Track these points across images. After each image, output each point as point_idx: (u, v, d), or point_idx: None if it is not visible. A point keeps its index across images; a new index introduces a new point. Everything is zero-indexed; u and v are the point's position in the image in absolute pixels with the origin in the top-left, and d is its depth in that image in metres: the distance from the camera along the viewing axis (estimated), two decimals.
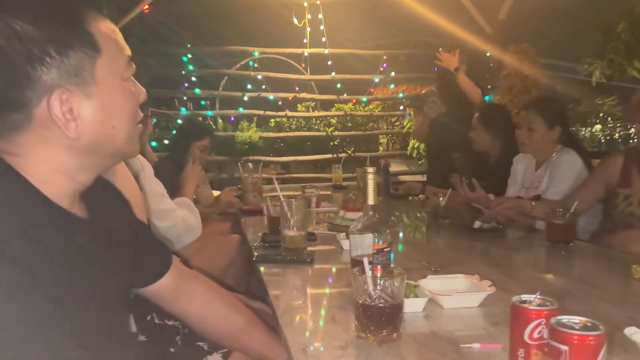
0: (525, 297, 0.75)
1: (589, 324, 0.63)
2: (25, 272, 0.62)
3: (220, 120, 6.97)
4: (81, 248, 0.78)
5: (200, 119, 6.66)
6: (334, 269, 1.54)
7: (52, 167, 0.76)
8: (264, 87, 6.55)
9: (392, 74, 6.69)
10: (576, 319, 0.65)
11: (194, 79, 6.26)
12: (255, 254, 1.66)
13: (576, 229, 1.84)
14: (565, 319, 0.65)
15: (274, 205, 1.91)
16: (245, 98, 6.36)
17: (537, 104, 2.45)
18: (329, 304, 1.17)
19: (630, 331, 0.86)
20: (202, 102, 6.68)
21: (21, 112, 0.72)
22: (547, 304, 0.72)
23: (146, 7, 5.55)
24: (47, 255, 0.69)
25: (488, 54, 6.12)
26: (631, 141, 2.02)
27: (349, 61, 6.79)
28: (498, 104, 3.81)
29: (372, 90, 6.91)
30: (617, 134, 12.44)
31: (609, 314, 1.07)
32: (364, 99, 6.90)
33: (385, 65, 6.62)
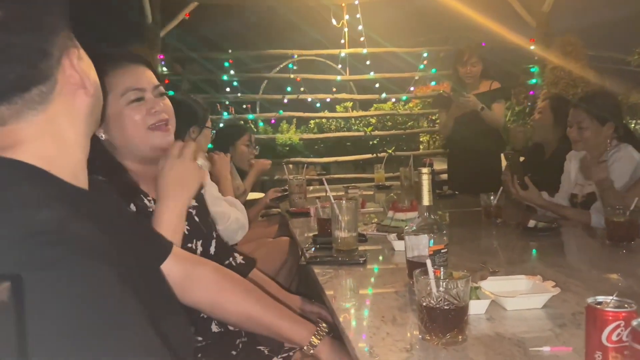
0: (600, 298, 0.73)
1: None
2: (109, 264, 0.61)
3: (261, 123, 7.06)
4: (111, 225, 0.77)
5: (242, 122, 6.78)
6: (387, 270, 1.54)
7: (71, 142, 0.74)
8: (302, 89, 6.60)
9: (433, 70, 6.60)
10: None
11: (235, 83, 6.37)
12: (307, 255, 1.68)
13: (638, 226, 1.77)
14: None
15: (323, 206, 1.92)
16: (285, 100, 6.42)
17: (585, 101, 2.35)
18: (388, 305, 1.17)
19: None
20: (244, 106, 6.78)
21: (48, 81, 0.70)
22: (626, 305, 0.70)
23: (187, 14, 5.70)
24: (112, 242, 0.67)
25: (532, 47, 5.95)
26: None
27: (388, 60, 6.75)
28: (562, 97, 3.70)
29: (412, 88, 6.84)
30: None
31: None
32: (404, 97, 6.84)
33: (425, 62, 6.56)
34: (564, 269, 1.48)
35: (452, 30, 7.24)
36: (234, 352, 1.33)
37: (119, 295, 0.60)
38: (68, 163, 0.74)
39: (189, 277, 1.09)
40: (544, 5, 5.72)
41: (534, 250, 1.75)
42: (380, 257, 1.67)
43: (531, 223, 1.94)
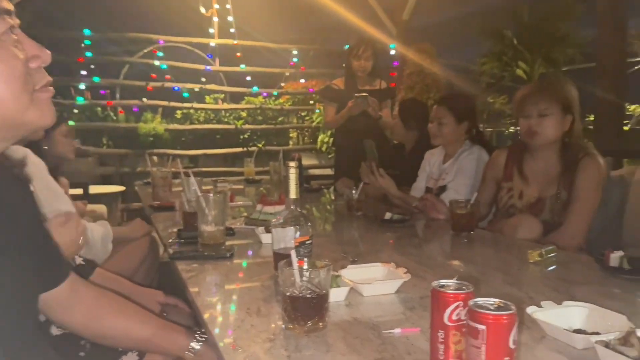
0: (443, 282, 0.81)
1: (502, 305, 0.70)
2: None
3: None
4: None
5: (99, 109, 6.28)
6: (254, 263, 1.54)
7: None
8: (168, 77, 6.32)
9: (303, 68, 6.75)
10: (491, 300, 0.71)
11: (92, 66, 5.88)
12: (171, 251, 1.62)
13: (477, 218, 2.00)
14: (481, 300, 0.71)
15: (189, 200, 1.86)
16: (149, 88, 6.09)
17: (447, 99, 2.64)
18: (253, 297, 1.17)
19: (531, 310, 0.96)
20: (102, 92, 6.30)
21: None
22: (464, 287, 0.78)
23: None
24: None
25: (392, 52, 6.38)
26: (519, 137, 2.24)
27: (259, 54, 6.75)
28: (416, 100, 3.95)
29: (283, 84, 6.92)
30: (507, 131, 13.53)
31: (512, 295, 1.18)
32: (275, 92, 6.90)
33: (295, 59, 6.67)
34: (415, 256, 1.62)
35: (321, 31, 7.47)
36: (82, 354, 1.25)
37: None
38: None
39: (74, 300, 1.04)
40: (404, 14, 6.15)
41: (391, 240, 1.88)
42: (248, 251, 1.67)
43: (387, 215, 2.09)
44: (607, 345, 0.80)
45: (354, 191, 2.34)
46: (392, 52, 6.39)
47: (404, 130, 3.22)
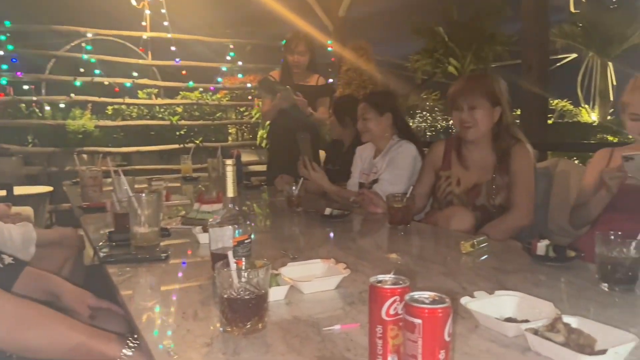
0: (380, 277, 0.81)
1: (437, 298, 0.71)
2: None
3: (47, 107, 6.24)
4: None
5: (24, 105, 5.91)
6: (191, 264, 1.50)
7: None
8: (98, 71, 6.03)
9: (240, 63, 6.65)
10: (426, 294, 0.72)
11: (14, 60, 5.51)
12: (102, 254, 1.54)
13: (413, 211, 2.05)
14: (417, 294, 0.72)
15: (120, 200, 1.78)
16: (78, 83, 5.79)
17: (367, 96, 2.76)
18: (190, 300, 1.14)
19: (465, 300, 0.99)
20: (26, 87, 5.91)
21: None
22: (400, 282, 0.79)
23: None
24: None
25: (329, 48, 6.41)
26: (451, 131, 2.31)
27: (194, 48, 6.58)
28: (351, 97, 3.96)
29: (220, 79, 6.79)
30: (439, 125, 14.01)
31: (447, 286, 1.21)
32: (212, 87, 6.75)
33: (232, 54, 6.56)
34: (354, 251, 1.64)
35: (258, 25, 7.38)
36: None
37: None
38: None
39: None
40: (340, 10, 6.19)
41: (331, 235, 1.89)
42: (185, 252, 1.63)
43: (327, 211, 2.10)
44: (535, 332, 0.83)
45: (294, 187, 2.34)
46: (330, 48, 6.43)
47: (340, 128, 3.25)
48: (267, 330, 0.95)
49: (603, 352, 0.76)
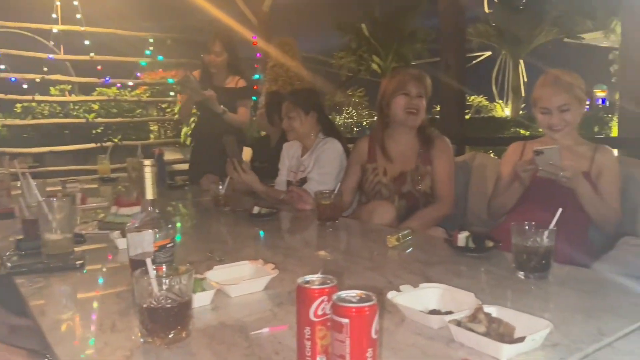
0: (308, 277, 0.80)
1: (364, 296, 0.71)
2: None
3: None
4: None
5: None
6: (109, 271, 1.41)
7: None
8: (3, 66, 5.58)
9: (160, 57, 6.41)
10: (353, 292, 0.72)
11: None
12: (9, 264, 1.42)
13: (341, 208, 2.06)
14: (344, 294, 0.71)
15: (29, 205, 1.65)
16: None
17: (292, 95, 2.72)
18: (108, 311, 1.07)
19: (391, 295, 1.00)
20: None
21: None
22: (328, 281, 0.78)
23: None
24: None
25: (255, 44, 6.33)
26: (386, 119, 2.41)
27: (110, 42, 6.25)
28: (280, 94, 3.90)
29: (139, 74, 6.51)
30: (365, 121, 14.30)
31: (374, 281, 1.23)
32: (130, 82, 6.46)
33: (151, 48, 6.31)
34: (283, 249, 1.62)
35: (180, 18, 7.15)
36: None
37: None
38: None
39: None
40: (264, 5, 6.13)
41: (259, 234, 1.86)
42: (102, 258, 1.53)
43: (255, 210, 2.06)
44: (458, 323, 0.86)
45: (220, 186, 2.28)
46: (255, 43, 6.35)
47: (269, 124, 3.22)
48: (192, 338, 0.91)
49: (522, 339, 0.79)
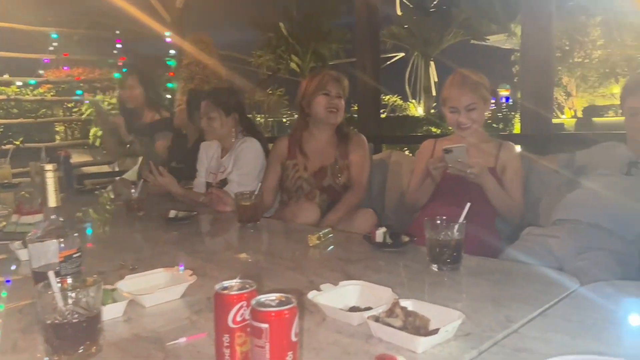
0: (226, 283, 0.78)
1: (283, 299, 0.70)
2: None
3: None
4: None
5: None
6: (9, 285, 1.30)
7: None
8: None
9: (65, 54, 6.01)
10: (272, 296, 0.71)
11: None
12: None
13: (262, 208, 2.04)
14: (263, 298, 0.70)
15: None
16: None
17: (213, 94, 2.64)
18: (8, 329, 0.98)
19: (312, 295, 1.00)
20: None
21: None
22: (247, 286, 0.77)
23: None
24: None
25: (167, 39, 6.12)
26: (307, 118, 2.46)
27: (8, 37, 5.77)
28: (201, 92, 3.80)
29: (42, 71, 6.06)
30: (285, 120, 14.32)
31: (295, 281, 1.22)
32: (32, 81, 6.00)
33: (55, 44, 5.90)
34: (203, 254, 1.58)
35: (87, 12, 6.75)
36: None
37: None
38: None
39: None
40: (177, 1, 5.94)
41: (175, 241, 1.79)
42: (2, 271, 1.40)
43: (172, 213, 1.99)
44: (377, 319, 0.87)
45: (133, 190, 2.18)
46: (168, 39, 6.12)
47: (187, 120, 3.12)
48: (103, 353, 0.86)
49: (435, 331, 0.83)
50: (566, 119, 17.76)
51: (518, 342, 0.86)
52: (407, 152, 5.63)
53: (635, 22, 14.86)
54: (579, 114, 18.13)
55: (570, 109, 19.64)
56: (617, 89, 16.57)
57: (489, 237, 1.91)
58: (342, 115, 2.38)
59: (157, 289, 1.10)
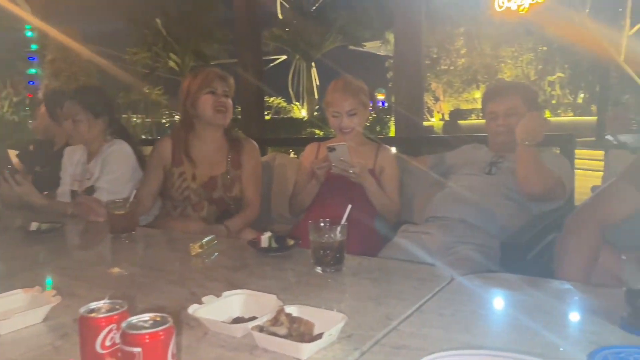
0: (93, 305, 0.71)
1: (158, 319, 0.65)
2: None
3: None
4: None
5: None
6: None
7: None
8: None
9: None
10: (146, 316, 0.65)
11: None
12: None
13: (137, 217, 1.91)
14: (135, 319, 0.65)
15: None
16: None
17: (78, 94, 2.40)
18: None
19: (193, 309, 0.95)
20: None
21: None
22: (117, 307, 0.70)
23: None
24: None
25: (29, 33, 5.56)
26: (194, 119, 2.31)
27: None
28: (63, 91, 3.45)
29: None
30: (165, 120, 13.74)
31: (175, 295, 1.15)
32: None
33: None
34: (71, 270, 1.44)
35: None
36: None
37: None
38: None
39: None
40: None
41: (38, 256, 1.61)
42: None
43: (33, 226, 1.78)
44: (261, 329, 0.85)
45: None
46: (29, 33, 5.56)
47: (51, 125, 2.85)
48: None
49: (320, 336, 0.83)
50: (435, 121, 19.20)
51: (397, 340, 0.89)
52: (292, 154, 5.69)
53: (493, 33, 16.55)
54: (447, 117, 19.71)
55: (438, 112, 21.29)
56: (478, 94, 18.35)
57: (369, 236, 1.99)
58: (231, 116, 2.24)
59: (13, 314, 0.98)
